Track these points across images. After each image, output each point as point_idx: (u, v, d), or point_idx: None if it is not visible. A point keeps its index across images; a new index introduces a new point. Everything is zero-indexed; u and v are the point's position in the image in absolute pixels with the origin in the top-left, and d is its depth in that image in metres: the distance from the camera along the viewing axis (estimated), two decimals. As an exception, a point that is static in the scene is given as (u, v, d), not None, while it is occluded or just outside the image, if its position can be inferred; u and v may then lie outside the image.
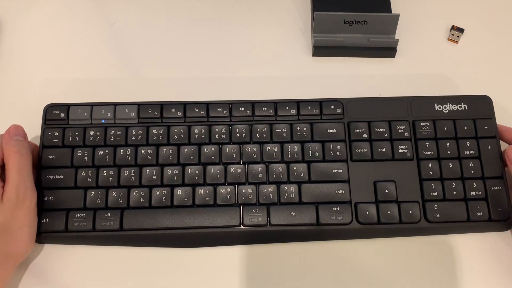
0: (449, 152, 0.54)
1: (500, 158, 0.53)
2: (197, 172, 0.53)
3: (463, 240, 0.52)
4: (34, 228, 0.50)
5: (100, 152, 0.53)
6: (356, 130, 0.55)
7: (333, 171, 0.54)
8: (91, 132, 0.54)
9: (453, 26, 0.63)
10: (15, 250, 0.48)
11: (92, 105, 0.55)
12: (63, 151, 0.53)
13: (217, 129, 0.55)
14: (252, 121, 0.55)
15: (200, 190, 0.52)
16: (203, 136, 0.54)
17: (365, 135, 0.55)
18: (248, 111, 0.56)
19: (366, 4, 0.63)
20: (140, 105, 0.56)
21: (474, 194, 0.52)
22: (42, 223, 0.51)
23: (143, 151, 0.54)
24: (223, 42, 0.64)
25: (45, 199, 0.52)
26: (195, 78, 0.61)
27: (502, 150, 0.54)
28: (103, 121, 0.55)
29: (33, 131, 0.56)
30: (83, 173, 0.53)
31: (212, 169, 0.53)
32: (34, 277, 0.51)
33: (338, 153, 0.54)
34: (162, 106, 0.56)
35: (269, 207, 0.52)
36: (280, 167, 0.53)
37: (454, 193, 0.52)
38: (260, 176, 0.53)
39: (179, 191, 0.52)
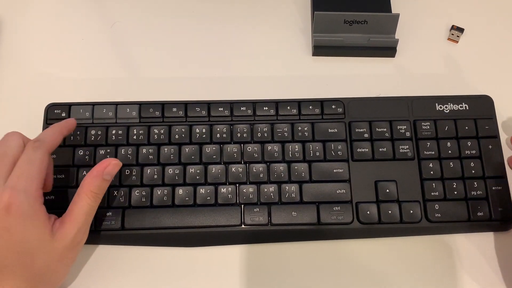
0: (450, 152, 0.54)
1: (501, 158, 0.53)
2: (198, 171, 0.53)
3: (464, 240, 0.52)
4: (72, 264, 0.48)
5: (102, 152, 0.53)
6: (357, 130, 0.55)
7: (334, 170, 0.54)
8: (92, 132, 0.54)
9: (453, 26, 0.63)
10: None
11: (93, 104, 0.55)
12: (64, 150, 0.53)
13: (218, 129, 0.55)
14: (253, 120, 0.55)
15: (201, 190, 0.52)
16: (204, 136, 0.54)
17: (366, 135, 0.55)
18: (249, 111, 0.56)
19: (366, 4, 0.63)
20: (141, 105, 0.56)
21: (475, 193, 0.52)
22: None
23: (144, 150, 0.54)
24: (224, 41, 0.64)
25: (46, 198, 0.51)
26: (196, 78, 0.61)
27: (503, 150, 0.54)
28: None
29: (34, 130, 0.55)
30: (85, 173, 0.53)
31: (213, 169, 0.53)
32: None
33: (339, 152, 0.54)
34: (163, 105, 0.56)
35: (270, 207, 0.52)
36: (281, 167, 0.53)
37: (455, 192, 0.52)
38: (261, 175, 0.53)
39: (180, 191, 0.52)
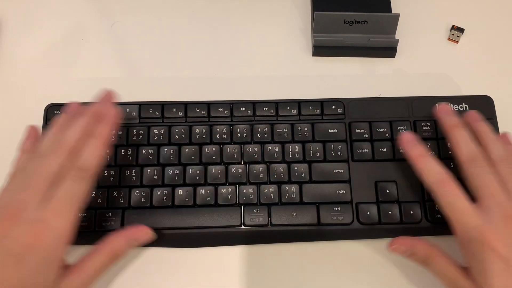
0: (450, 152, 0.54)
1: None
2: (198, 172, 0.53)
3: (464, 240, 0.52)
4: None
5: (101, 152, 0.53)
6: (357, 130, 0.55)
7: (334, 171, 0.54)
8: (92, 132, 0.54)
9: (453, 26, 0.63)
10: None
11: (93, 105, 0.55)
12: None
13: (218, 129, 0.55)
14: (253, 121, 0.55)
15: (201, 190, 0.52)
16: (204, 136, 0.54)
17: (366, 135, 0.55)
18: (249, 111, 0.56)
19: (366, 4, 0.63)
20: (141, 105, 0.56)
21: (475, 194, 0.52)
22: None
23: (144, 151, 0.54)
24: (224, 42, 0.64)
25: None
26: (196, 78, 0.61)
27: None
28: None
29: (34, 131, 0.56)
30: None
31: (213, 169, 0.53)
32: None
33: (339, 153, 0.54)
34: (163, 106, 0.56)
35: (270, 207, 0.52)
36: (281, 167, 0.53)
37: (455, 193, 0.52)
38: (261, 176, 0.53)
39: (180, 191, 0.52)
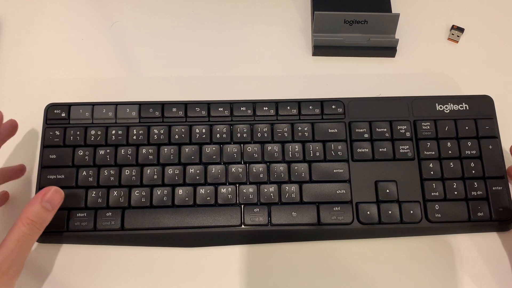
0: (450, 152, 0.54)
1: (501, 158, 0.53)
2: (198, 171, 0.53)
3: (464, 240, 0.52)
4: None
5: (101, 152, 0.53)
6: (357, 130, 0.55)
7: (334, 171, 0.54)
8: (92, 132, 0.54)
9: (453, 25, 0.63)
10: None
11: (93, 104, 0.55)
12: (64, 150, 0.53)
13: (218, 129, 0.55)
14: (253, 120, 0.55)
15: (201, 190, 0.52)
16: (204, 136, 0.54)
17: (366, 135, 0.55)
18: (249, 111, 0.56)
19: (366, 3, 0.63)
20: (141, 105, 0.56)
21: (475, 194, 0.52)
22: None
23: (144, 150, 0.54)
24: (224, 41, 0.64)
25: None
26: (196, 78, 0.61)
27: (504, 150, 0.54)
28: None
29: (34, 130, 0.56)
30: (84, 173, 0.52)
31: (213, 169, 0.53)
32: (34, 276, 0.51)
33: (339, 153, 0.54)
34: (163, 105, 0.56)
35: (270, 207, 0.52)
36: (281, 167, 0.53)
37: (455, 193, 0.52)
38: (261, 176, 0.53)
39: (180, 191, 0.52)
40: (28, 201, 0.45)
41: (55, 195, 0.46)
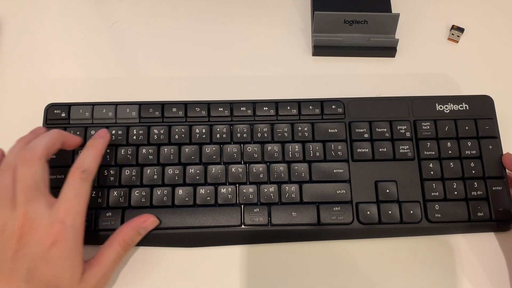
0: (450, 152, 0.54)
1: (501, 158, 0.53)
2: (198, 171, 0.53)
3: (464, 240, 0.52)
4: None
5: (101, 152, 0.53)
6: (357, 130, 0.55)
7: (334, 171, 0.54)
8: (92, 132, 0.54)
9: (453, 25, 0.63)
10: None
11: (93, 104, 0.55)
12: (64, 150, 0.53)
13: (218, 129, 0.55)
14: (253, 120, 0.55)
15: (201, 190, 0.52)
16: (204, 136, 0.54)
17: (366, 135, 0.55)
18: (249, 111, 0.56)
19: (366, 3, 0.63)
20: (141, 105, 0.56)
21: (475, 194, 0.52)
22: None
23: (144, 150, 0.54)
24: (224, 41, 0.64)
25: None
26: (196, 78, 0.61)
27: (503, 150, 0.54)
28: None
29: (34, 130, 0.56)
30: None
31: (213, 169, 0.53)
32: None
33: (339, 153, 0.54)
34: (163, 105, 0.56)
35: (270, 207, 0.52)
36: (281, 167, 0.53)
37: (455, 193, 0.52)
38: (261, 176, 0.53)
39: (180, 191, 0.52)
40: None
41: (152, 225, 0.51)
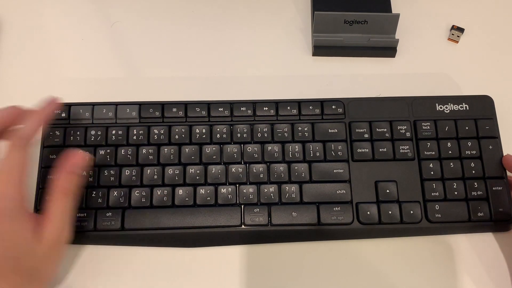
0: (450, 152, 0.54)
1: (501, 159, 0.53)
2: (198, 172, 0.53)
3: (464, 240, 0.52)
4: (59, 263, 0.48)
5: (101, 152, 0.53)
6: (357, 130, 0.55)
7: (334, 171, 0.54)
8: (92, 132, 0.54)
9: (453, 26, 0.63)
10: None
11: (93, 104, 0.55)
12: (64, 150, 0.53)
13: (218, 129, 0.55)
14: (253, 121, 0.55)
15: (201, 190, 0.52)
16: (204, 136, 0.54)
17: (366, 135, 0.55)
18: (249, 111, 0.56)
19: (366, 4, 0.63)
20: (141, 105, 0.56)
21: (475, 194, 0.52)
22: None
23: (144, 151, 0.54)
24: (224, 42, 0.64)
25: (46, 198, 0.51)
26: (196, 78, 0.61)
27: (503, 150, 0.54)
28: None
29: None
30: (84, 173, 0.52)
31: (213, 169, 0.53)
32: (35, 277, 0.51)
33: (339, 153, 0.54)
34: (163, 106, 0.56)
35: (270, 207, 0.52)
36: (281, 167, 0.53)
37: (455, 193, 0.52)
38: (261, 176, 0.53)
39: (180, 191, 0.52)
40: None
41: (83, 160, 0.48)
